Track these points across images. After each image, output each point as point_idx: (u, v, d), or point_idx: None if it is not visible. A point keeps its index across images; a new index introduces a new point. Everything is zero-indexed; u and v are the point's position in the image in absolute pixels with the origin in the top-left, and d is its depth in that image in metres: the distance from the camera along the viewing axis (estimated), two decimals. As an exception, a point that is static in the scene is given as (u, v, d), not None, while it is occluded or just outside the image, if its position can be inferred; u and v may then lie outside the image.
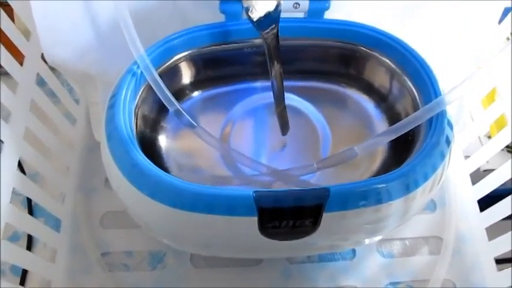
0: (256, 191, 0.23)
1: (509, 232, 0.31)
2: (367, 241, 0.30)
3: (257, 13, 0.23)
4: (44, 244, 0.34)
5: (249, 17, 0.23)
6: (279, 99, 0.29)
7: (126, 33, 0.26)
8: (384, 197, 0.24)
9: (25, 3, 0.28)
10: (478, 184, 0.36)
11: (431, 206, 0.37)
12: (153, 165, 0.24)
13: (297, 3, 0.27)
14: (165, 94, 0.27)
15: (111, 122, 0.25)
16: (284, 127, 0.30)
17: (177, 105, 0.27)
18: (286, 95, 0.29)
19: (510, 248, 0.31)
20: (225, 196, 0.23)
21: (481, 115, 0.36)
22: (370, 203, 0.24)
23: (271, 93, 0.29)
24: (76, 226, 0.34)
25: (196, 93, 0.31)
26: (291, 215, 0.24)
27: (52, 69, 0.34)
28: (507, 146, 0.36)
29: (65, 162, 0.36)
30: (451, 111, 0.27)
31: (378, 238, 0.30)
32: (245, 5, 0.22)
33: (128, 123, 0.25)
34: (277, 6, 0.23)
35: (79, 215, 0.35)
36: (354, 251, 0.34)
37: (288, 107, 0.29)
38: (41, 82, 0.33)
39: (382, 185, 0.24)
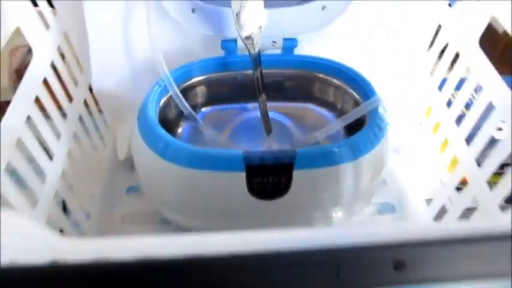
0: (244, 151, 0.32)
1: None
2: (334, 216, 0.38)
3: (245, 32, 0.35)
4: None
5: (240, 36, 0.35)
6: (264, 115, 0.40)
7: (156, 59, 0.38)
8: (337, 158, 0.33)
9: (83, 42, 0.41)
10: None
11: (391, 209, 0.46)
12: (169, 134, 0.33)
13: (274, 41, 0.40)
14: (181, 100, 0.38)
15: (142, 111, 0.35)
16: (268, 131, 0.40)
17: (189, 109, 0.38)
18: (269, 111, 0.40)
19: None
20: (219, 155, 0.33)
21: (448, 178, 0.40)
22: (328, 163, 0.33)
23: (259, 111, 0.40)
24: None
25: (203, 109, 0.42)
26: (270, 170, 0.33)
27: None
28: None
29: (91, 185, 0.45)
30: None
31: (340, 213, 0.38)
32: (237, 26, 0.34)
33: (154, 114, 0.36)
34: (260, 28, 0.35)
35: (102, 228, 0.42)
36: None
37: (270, 118, 0.40)
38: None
39: (335, 149, 0.33)
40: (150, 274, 0.19)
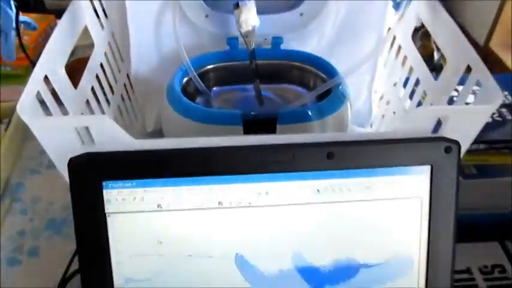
0: (242, 110, 0.46)
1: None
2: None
3: (243, 29, 0.49)
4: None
5: (240, 32, 0.50)
6: (258, 92, 0.54)
7: (179, 50, 0.52)
8: (308, 117, 0.47)
9: (125, 39, 0.55)
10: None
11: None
12: (188, 100, 0.47)
13: (265, 38, 0.54)
14: (197, 80, 0.52)
15: (170, 86, 0.50)
16: (260, 103, 0.54)
17: (203, 86, 0.52)
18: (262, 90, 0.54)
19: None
20: (224, 113, 0.47)
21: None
22: (301, 120, 0.47)
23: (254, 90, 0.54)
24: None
25: (214, 88, 0.56)
26: (260, 125, 0.46)
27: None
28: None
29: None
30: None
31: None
32: (238, 24, 0.49)
33: (178, 88, 0.50)
34: (253, 27, 0.50)
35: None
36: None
37: (262, 95, 0.54)
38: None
39: (307, 110, 0.47)
40: (181, 156, 0.33)
